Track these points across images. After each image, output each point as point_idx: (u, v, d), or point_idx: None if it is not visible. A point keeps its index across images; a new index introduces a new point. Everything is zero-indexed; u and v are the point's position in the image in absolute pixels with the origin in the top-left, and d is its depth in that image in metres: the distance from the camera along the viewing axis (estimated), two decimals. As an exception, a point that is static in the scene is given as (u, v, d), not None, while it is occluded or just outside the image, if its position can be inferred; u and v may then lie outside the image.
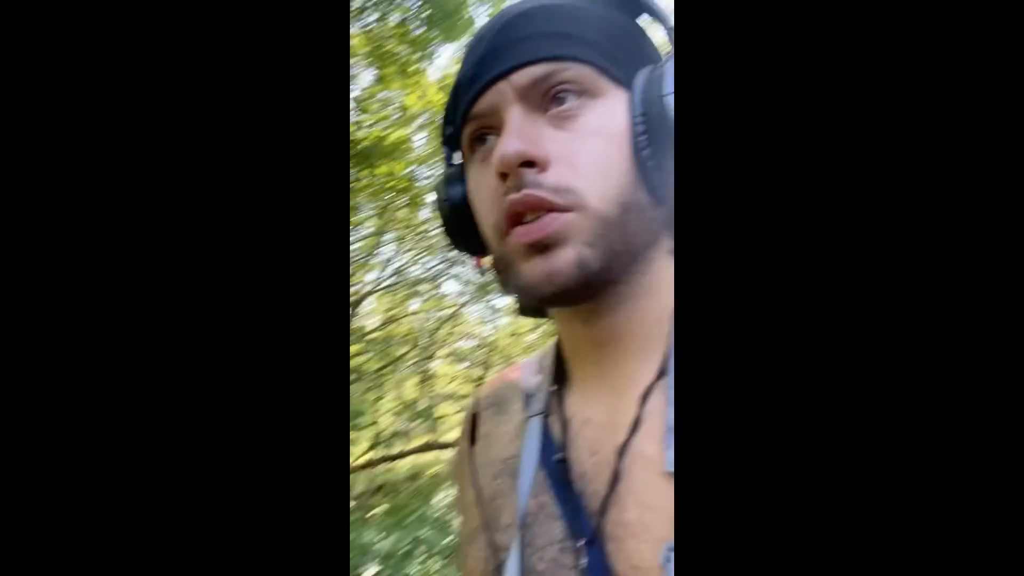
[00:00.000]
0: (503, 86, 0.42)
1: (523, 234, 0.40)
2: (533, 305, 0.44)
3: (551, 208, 0.40)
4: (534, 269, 0.40)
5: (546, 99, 0.42)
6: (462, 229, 0.48)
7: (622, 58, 0.43)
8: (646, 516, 0.38)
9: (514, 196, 0.40)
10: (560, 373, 0.49)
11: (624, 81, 0.43)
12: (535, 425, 0.46)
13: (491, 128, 0.44)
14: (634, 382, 0.43)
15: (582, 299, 0.42)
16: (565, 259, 0.40)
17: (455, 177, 0.49)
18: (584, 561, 0.39)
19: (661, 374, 0.42)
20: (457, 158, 0.49)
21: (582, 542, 0.40)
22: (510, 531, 0.44)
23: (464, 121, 0.45)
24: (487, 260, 0.49)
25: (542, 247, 0.40)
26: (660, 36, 0.46)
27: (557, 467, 0.44)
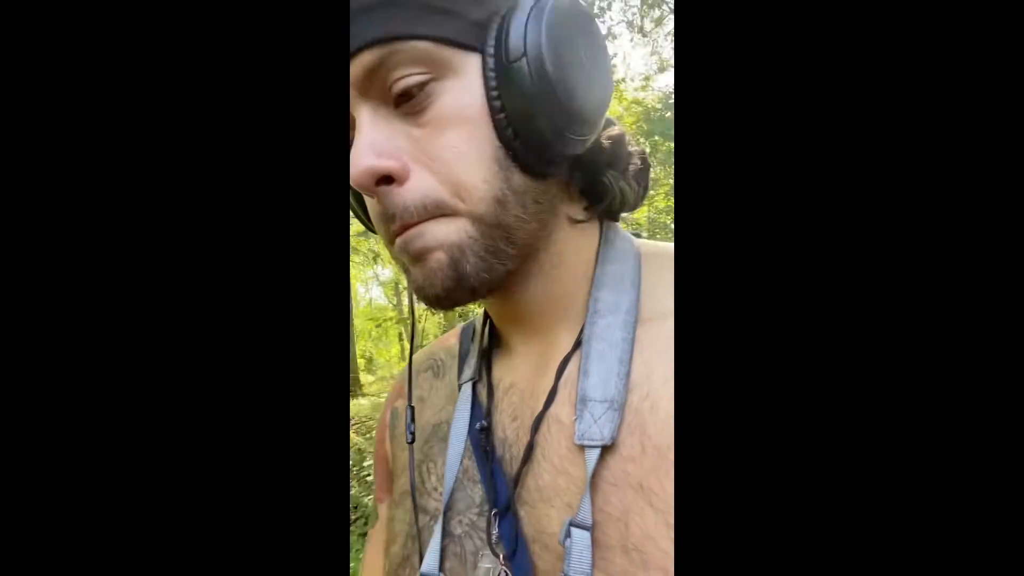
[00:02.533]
0: None
1: (399, 245, 0.39)
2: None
3: (422, 222, 0.37)
4: (416, 272, 0.39)
5: (390, 90, 0.36)
6: (365, 214, 0.46)
7: (468, 10, 0.36)
8: (558, 481, 0.38)
9: (393, 227, 0.38)
10: (491, 338, 0.49)
11: (475, 42, 0.37)
12: (466, 392, 0.46)
13: (351, 128, 0.39)
14: (554, 350, 0.42)
15: (469, 298, 0.40)
16: (437, 262, 0.37)
17: None
18: (496, 531, 0.40)
19: (577, 344, 0.41)
20: None
21: (495, 511, 0.40)
22: (435, 495, 0.45)
23: None
24: None
25: (417, 254, 0.38)
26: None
27: (479, 435, 0.44)
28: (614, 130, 0.43)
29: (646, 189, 0.46)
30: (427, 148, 0.37)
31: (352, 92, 0.37)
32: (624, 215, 0.47)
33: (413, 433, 0.47)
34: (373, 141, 0.36)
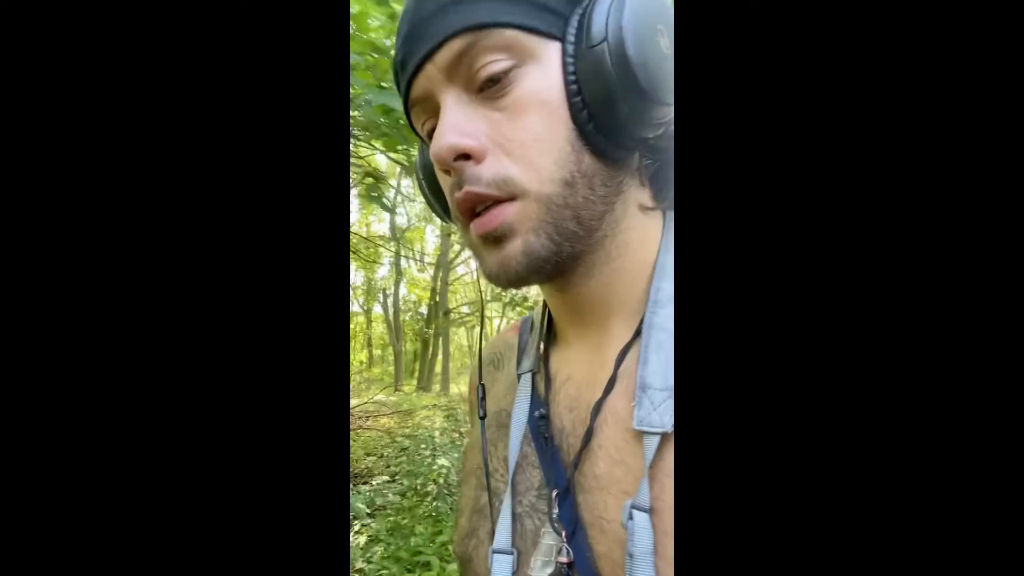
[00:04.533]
0: (430, 69, 0.40)
1: (476, 227, 0.41)
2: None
3: (496, 201, 0.39)
4: (491, 259, 0.41)
5: (475, 75, 0.39)
6: (439, 203, 0.50)
7: (552, 2, 0.40)
8: (615, 470, 0.40)
9: (457, 195, 0.40)
10: (549, 331, 0.51)
11: (557, 31, 0.40)
12: (525, 382, 0.49)
13: (433, 115, 0.42)
14: (612, 341, 0.44)
15: (539, 281, 0.43)
16: (513, 249, 0.40)
17: (424, 150, 0.49)
18: (556, 511, 0.41)
19: (637, 334, 0.42)
20: None
21: (556, 492, 0.42)
22: (496, 476, 0.48)
23: (408, 107, 0.44)
24: None
25: (493, 239, 0.40)
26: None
27: (539, 422, 0.46)
28: None
29: None
30: (505, 131, 0.39)
31: (438, 76, 0.40)
32: None
33: (485, 410, 0.51)
34: (456, 122, 0.39)
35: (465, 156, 0.39)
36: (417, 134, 0.46)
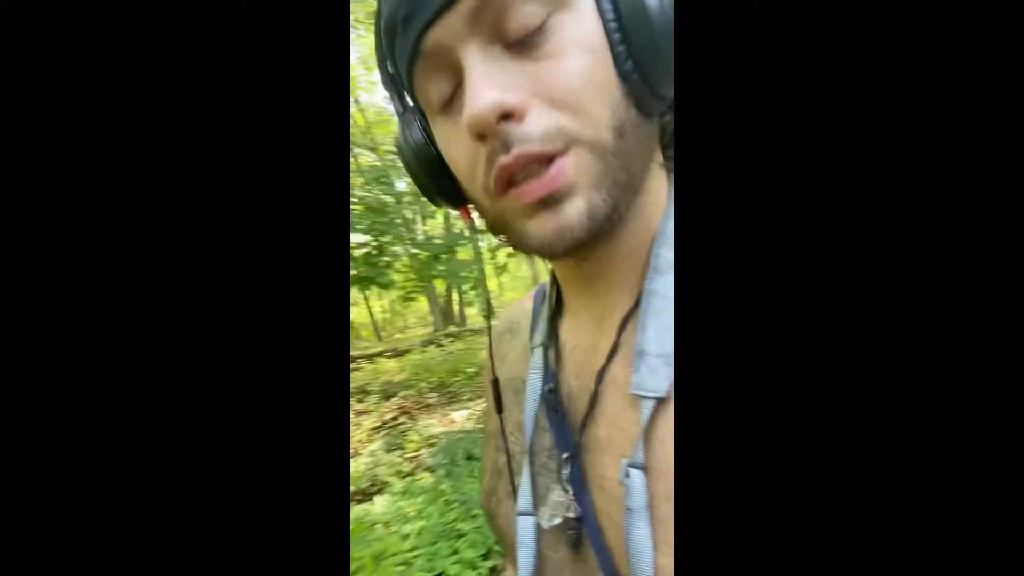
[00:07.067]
0: (451, 19, 0.35)
1: (526, 193, 0.36)
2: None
3: (550, 158, 0.35)
4: (543, 227, 0.37)
5: (504, 27, 0.35)
6: (438, 183, 0.44)
7: None
8: (614, 434, 0.42)
9: (504, 160, 0.36)
10: (557, 302, 0.52)
11: None
12: (537, 355, 0.51)
13: (448, 74, 0.37)
14: (614, 309, 0.45)
15: (594, 246, 0.39)
16: (575, 210, 0.36)
17: (413, 122, 0.43)
18: (567, 472, 0.44)
19: (638, 302, 0.42)
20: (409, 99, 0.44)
21: (566, 455, 0.44)
22: (513, 436, 0.52)
23: (412, 62, 0.38)
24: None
25: (547, 203, 0.36)
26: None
27: (548, 396, 0.48)
28: None
29: None
30: (546, 79, 0.35)
31: (460, 28, 0.35)
32: None
33: (501, 404, 0.53)
34: (491, 77, 0.35)
35: (506, 116, 0.35)
36: (398, 91, 0.42)
